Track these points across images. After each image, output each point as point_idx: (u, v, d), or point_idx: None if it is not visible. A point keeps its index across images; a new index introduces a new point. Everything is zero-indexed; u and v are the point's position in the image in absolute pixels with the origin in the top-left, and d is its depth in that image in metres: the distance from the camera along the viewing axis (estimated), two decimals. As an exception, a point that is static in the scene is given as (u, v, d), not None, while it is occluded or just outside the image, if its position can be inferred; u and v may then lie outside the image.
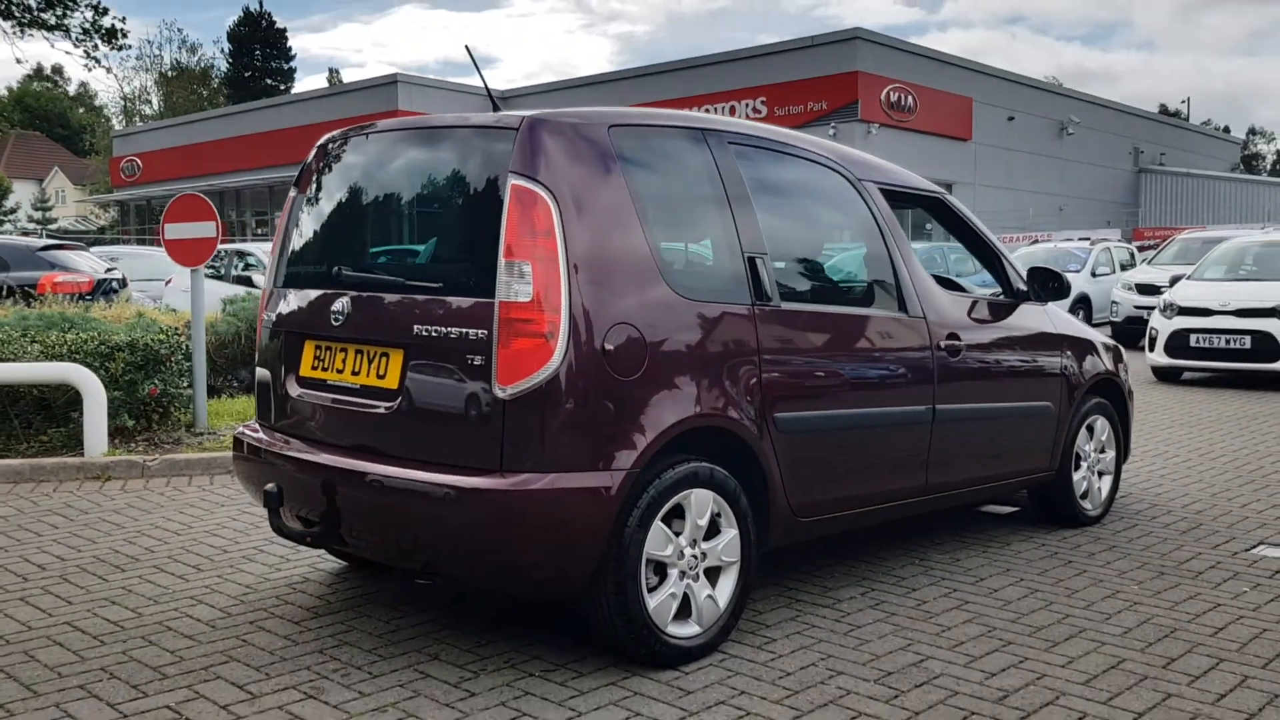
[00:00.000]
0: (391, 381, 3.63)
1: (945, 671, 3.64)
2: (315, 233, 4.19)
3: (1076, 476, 5.63)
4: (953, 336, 4.75)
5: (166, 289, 15.51)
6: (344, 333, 3.80)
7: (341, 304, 3.80)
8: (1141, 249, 23.59)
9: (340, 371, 3.83)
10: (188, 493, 6.40)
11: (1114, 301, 16.49)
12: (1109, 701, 3.41)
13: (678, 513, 3.64)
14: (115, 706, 3.32)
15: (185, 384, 7.55)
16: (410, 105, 38.06)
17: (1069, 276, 17.20)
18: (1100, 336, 5.97)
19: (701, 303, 3.74)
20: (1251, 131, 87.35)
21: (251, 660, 3.70)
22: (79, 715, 3.25)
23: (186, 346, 7.60)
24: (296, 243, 4.23)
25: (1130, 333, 15.66)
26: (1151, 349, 12.31)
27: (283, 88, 64.33)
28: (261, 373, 4.25)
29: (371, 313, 3.73)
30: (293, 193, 4.31)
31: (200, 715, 3.25)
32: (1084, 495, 5.70)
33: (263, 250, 15.17)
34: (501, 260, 3.38)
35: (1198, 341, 11.86)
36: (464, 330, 3.43)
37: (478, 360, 3.38)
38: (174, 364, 7.38)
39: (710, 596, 3.73)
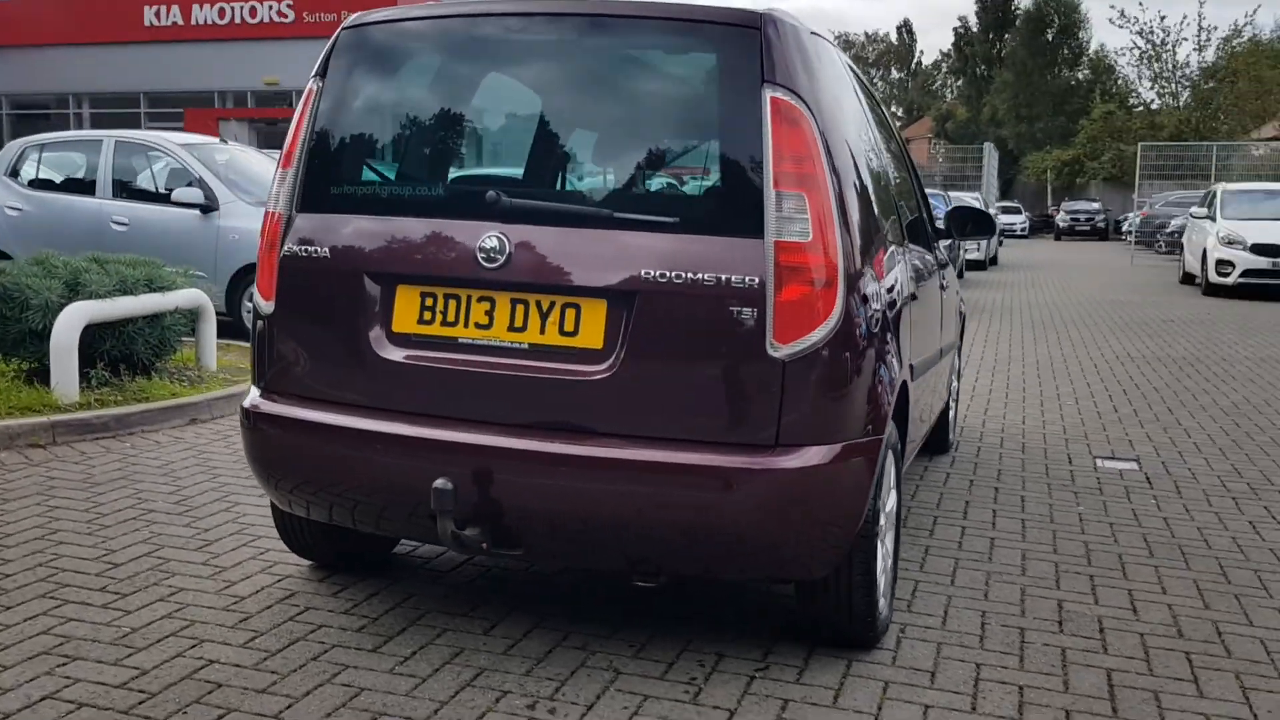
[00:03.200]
0: (590, 339, 2.88)
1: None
2: (407, 143, 3.27)
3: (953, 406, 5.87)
4: None
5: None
6: (500, 276, 2.92)
7: (495, 240, 2.92)
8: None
9: (485, 327, 2.96)
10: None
11: None
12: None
13: None
14: None
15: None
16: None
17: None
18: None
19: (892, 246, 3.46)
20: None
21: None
22: None
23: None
24: (354, 153, 3.29)
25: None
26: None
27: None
28: (281, 324, 3.22)
29: (553, 253, 2.92)
30: (317, 84, 3.27)
31: None
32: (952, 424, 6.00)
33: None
34: (771, 190, 2.81)
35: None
36: (723, 277, 2.79)
37: (745, 314, 2.78)
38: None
39: (888, 566, 3.40)
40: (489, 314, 2.97)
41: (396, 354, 3.03)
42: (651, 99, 3.15)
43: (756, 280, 2.78)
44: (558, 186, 3.18)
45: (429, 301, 3.02)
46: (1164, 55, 47.36)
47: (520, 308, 2.95)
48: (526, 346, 2.94)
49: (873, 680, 3.09)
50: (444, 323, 3.01)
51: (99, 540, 4.06)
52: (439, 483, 2.85)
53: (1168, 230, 27.23)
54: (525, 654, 3.19)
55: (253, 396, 3.30)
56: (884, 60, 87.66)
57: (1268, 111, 40.89)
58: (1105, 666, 3.22)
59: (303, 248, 3.15)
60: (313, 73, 3.31)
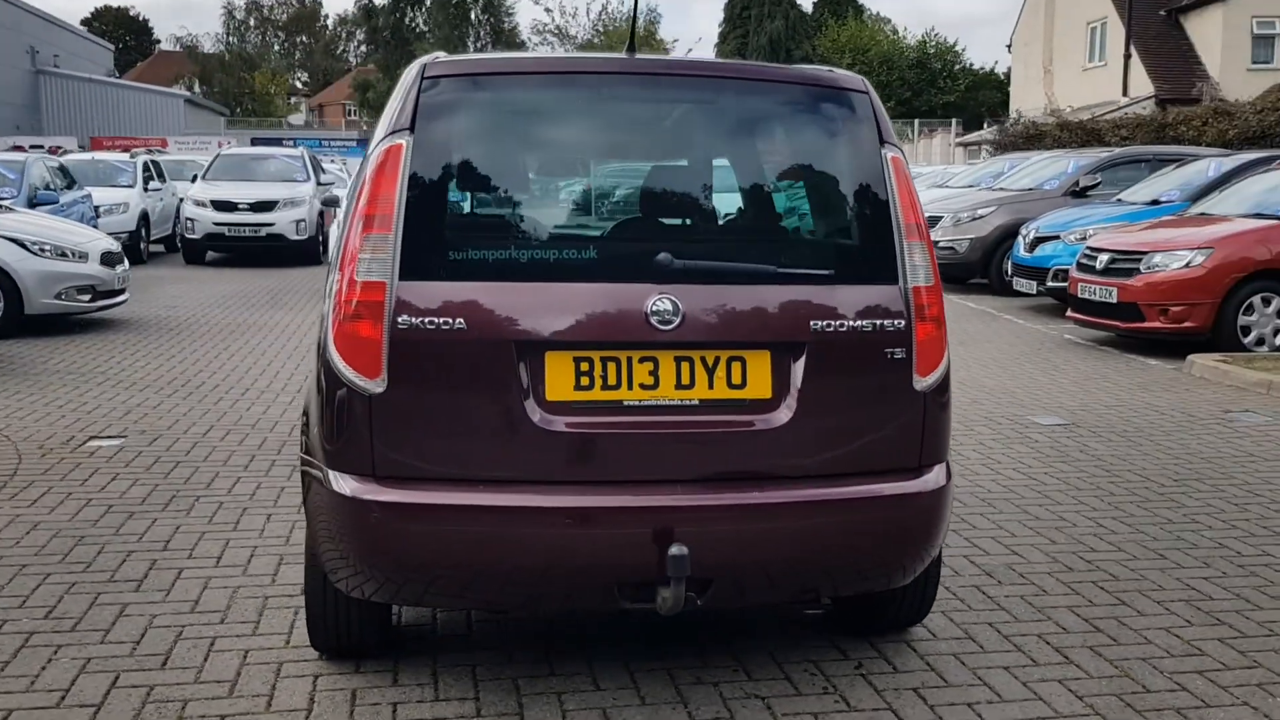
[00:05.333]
0: (759, 390, 3.00)
1: None
2: (539, 202, 3.25)
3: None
4: None
5: None
6: (673, 337, 2.93)
7: (667, 302, 2.93)
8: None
9: (650, 387, 2.96)
10: None
11: (189, 218, 17.06)
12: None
13: None
14: None
15: None
16: None
17: (120, 193, 17.41)
18: None
19: None
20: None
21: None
22: None
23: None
24: (475, 214, 3.18)
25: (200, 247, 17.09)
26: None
27: None
28: (399, 402, 2.91)
29: (723, 310, 2.99)
30: (405, 139, 2.97)
31: None
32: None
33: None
34: (904, 240, 3.10)
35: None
36: (879, 322, 3.05)
37: (897, 353, 3.06)
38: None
39: None
40: (653, 374, 2.97)
41: (557, 423, 2.92)
42: (790, 157, 3.35)
43: (903, 323, 3.08)
44: (714, 245, 3.25)
45: (584, 366, 2.95)
46: (571, 31, 53.40)
47: (685, 365, 2.99)
48: (697, 403, 2.99)
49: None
50: (605, 386, 2.95)
51: None
52: (674, 550, 2.81)
53: None
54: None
55: (358, 485, 2.93)
56: (296, 26, 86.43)
57: None
58: None
59: (423, 319, 2.89)
60: (391, 126, 3.03)
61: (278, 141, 30.49)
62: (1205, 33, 28.94)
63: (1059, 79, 32.33)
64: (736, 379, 3.01)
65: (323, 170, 20.69)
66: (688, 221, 3.33)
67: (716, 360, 3.00)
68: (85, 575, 4.13)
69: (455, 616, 3.79)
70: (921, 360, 3.11)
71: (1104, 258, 9.84)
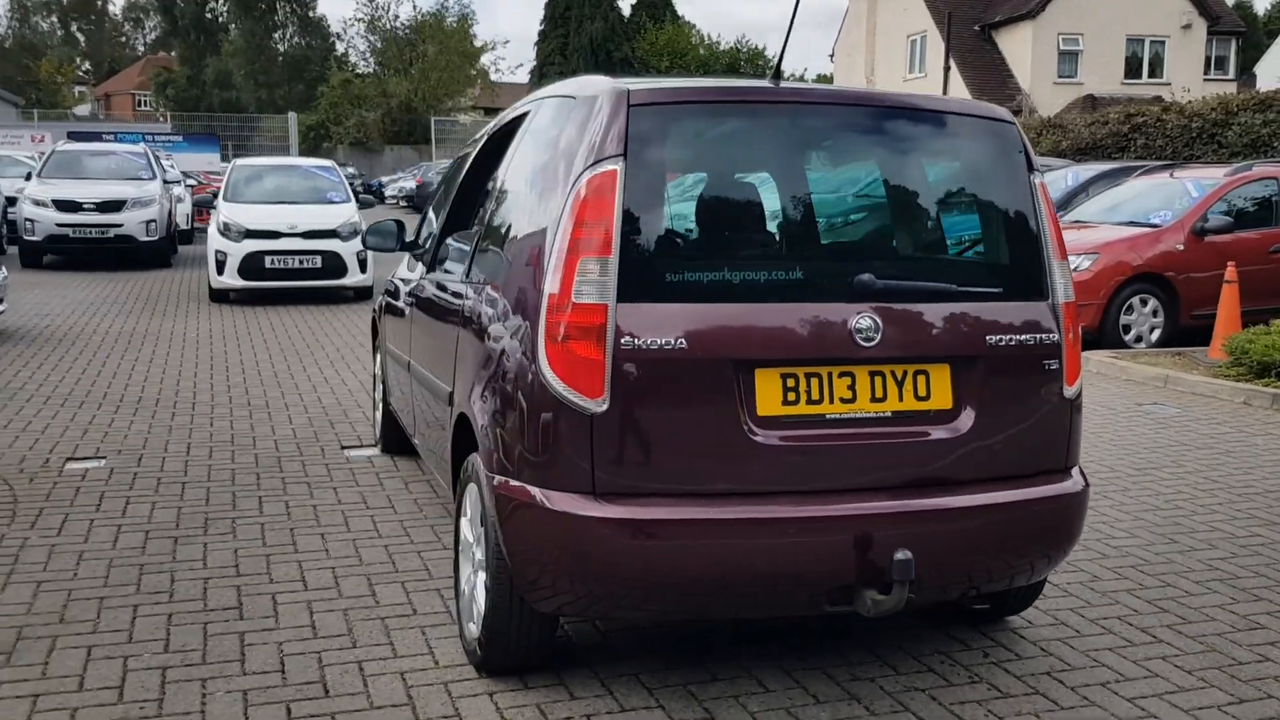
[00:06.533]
0: (941, 401, 3.23)
1: None
2: (744, 226, 3.39)
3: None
4: None
5: None
6: (872, 353, 3.14)
7: (868, 319, 3.12)
8: None
9: (849, 401, 3.15)
10: None
11: (28, 219, 15.78)
12: None
13: None
14: None
15: None
16: None
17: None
18: None
19: None
20: None
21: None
22: None
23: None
24: (687, 238, 3.26)
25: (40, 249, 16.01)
26: (220, 272, 12.76)
27: None
28: (622, 421, 2.99)
29: (913, 327, 3.21)
30: (618, 165, 3.04)
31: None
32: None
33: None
34: (1055, 260, 3.42)
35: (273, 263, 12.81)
36: (1039, 336, 3.35)
37: (1053, 364, 3.36)
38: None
39: None
40: (851, 388, 3.16)
41: (771, 437, 3.07)
42: (958, 183, 3.58)
43: (1055, 336, 3.38)
44: (901, 265, 3.42)
45: (790, 382, 3.11)
46: (383, 21, 52.93)
47: (878, 379, 3.20)
48: (889, 414, 3.20)
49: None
50: (809, 401, 3.13)
51: None
52: (900, 555, 3.02)
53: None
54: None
55: (581, 503, 3.00)
56: (79, 10, 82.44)
57: (456, 83, 50.37)
58: None
59: (646, 340, 2.99)
60: (598, 152, 3.09)
61: (96, 136, 28.60)
62: (1016, 48, 31.02)
63: (881, 89, 33.95)
64: (922, 391, 3.23)
65: (166, 168, 19.69)
66: (878, 243, 3.53)
67: (905, 374, 3.22)
68: (176, 606, 3.97)
69: (586, 627, 3.86)
70: (1069, 370, 3.42)
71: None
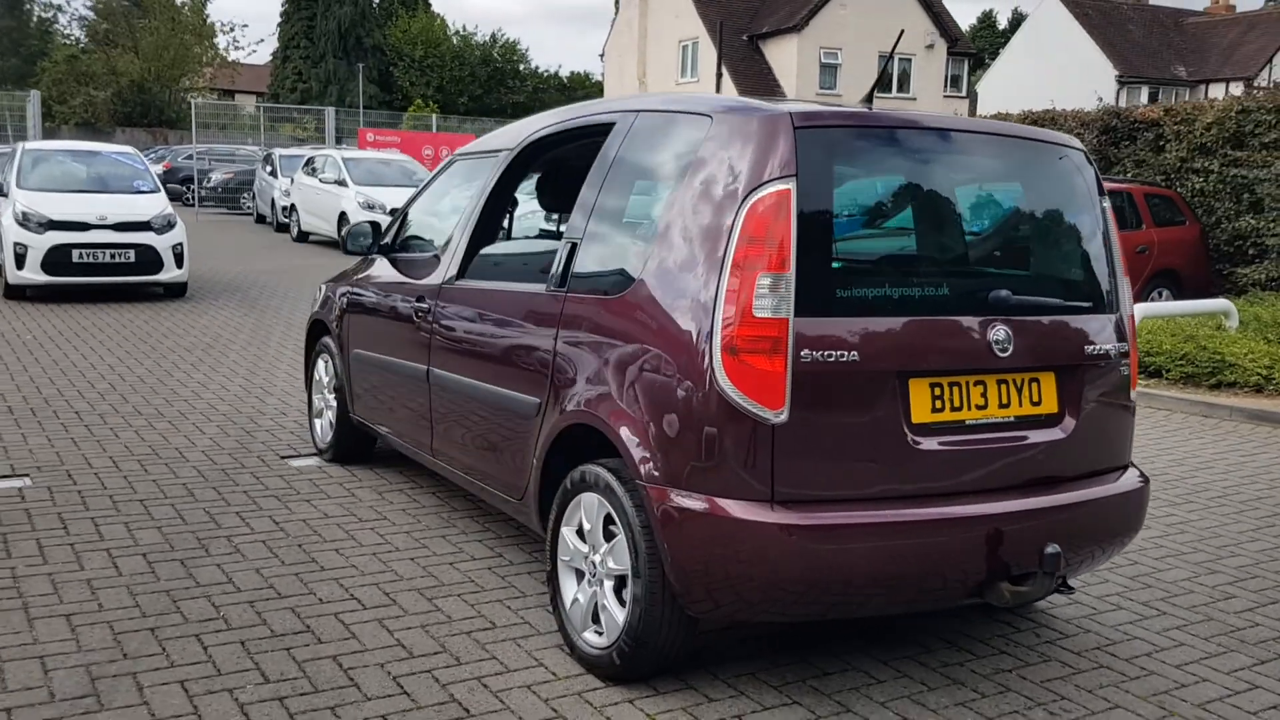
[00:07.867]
0: (1049, 406, 3.55)
1: None
2: (900, 244, 3.71)
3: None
4: None
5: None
6: (1005, 363, 3.44)
7: (1003, 332, 3.42)
8: None
9: (982, 407, 3.42)
10: None
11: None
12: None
13: None
14: None
15: None
16: None
17: None
18: None
19: None
20: None
21: None
22: None
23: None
24: (852, 256, 3.41)
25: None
26: (20, 266, 11.61)
27: None
28: (801, 431, 3.13)
29: (1034, 338, 3.51)
30: (791, 184, 3.17)
31: None
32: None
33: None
34: (1122, 277, 3.82)
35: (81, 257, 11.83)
36: (1117, 345, 3.72)
37: (1125, 371, 3.75)
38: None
39: None
40: (984, 395, 3.44)
41: (929, 443, 3.30)
42: (1056, 204, 3.82)
43: (1125, 345, 3.76)
44: (1023, 282, 3.67)
45: (937, 391, 3.36)
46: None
47: (1004, 386, 3.48)
48: (1013, 419, 3.48)
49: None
50: (952, 408, 3.38)
51: None
52: (1050, 548, 3.36)
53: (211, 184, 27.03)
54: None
55: (762, 510, 3.12)
56: None
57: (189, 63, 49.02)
58: None
59: (823, 353, 3.15)
60: (767, 172, 3.22)
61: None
62: (782, 60, 32.59)
63: (654, 91, 34.83)
64: (1035, 397, 3.54)
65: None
66: (1004, 261, 3.83)
67: (1022, 381, 3.52)
68: (242, 633, 3.73)
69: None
70: (1134, 376, 3.82)
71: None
